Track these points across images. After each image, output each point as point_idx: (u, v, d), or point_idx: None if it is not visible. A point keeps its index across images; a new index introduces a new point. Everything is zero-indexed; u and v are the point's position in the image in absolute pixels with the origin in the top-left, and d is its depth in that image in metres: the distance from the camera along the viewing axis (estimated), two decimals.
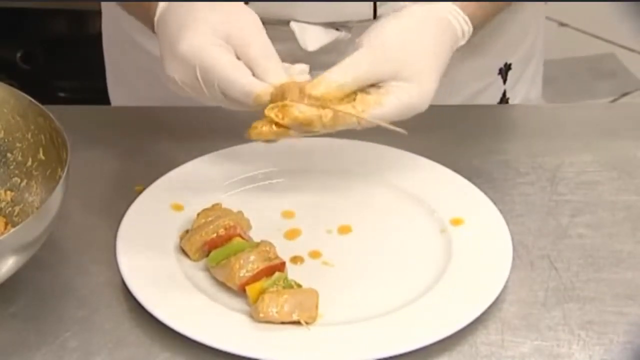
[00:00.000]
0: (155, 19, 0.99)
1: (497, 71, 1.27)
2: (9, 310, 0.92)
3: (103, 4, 1.32)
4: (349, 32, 1.17)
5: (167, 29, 0.96)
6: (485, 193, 1.04)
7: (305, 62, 1.08)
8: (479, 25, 1.03)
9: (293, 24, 1.14)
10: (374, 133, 1.12)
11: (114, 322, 0.91)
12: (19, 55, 2.12)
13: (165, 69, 0.96)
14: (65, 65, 2.12)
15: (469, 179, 1.06)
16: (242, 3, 0.99)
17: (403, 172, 1.07)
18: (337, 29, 1.17)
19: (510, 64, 1.27)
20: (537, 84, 1.35)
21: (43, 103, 0.98)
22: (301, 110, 0.92)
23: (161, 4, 0.99)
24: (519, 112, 1.24)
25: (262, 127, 0.93)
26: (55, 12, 2.10)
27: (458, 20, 1.00)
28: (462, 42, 1.02)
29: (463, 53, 1.23)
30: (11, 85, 1.01)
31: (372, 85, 0.95)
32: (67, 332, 0.90)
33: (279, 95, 0.92)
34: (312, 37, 1.15)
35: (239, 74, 0.92)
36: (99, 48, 1.36)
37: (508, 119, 1.20)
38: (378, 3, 1.13)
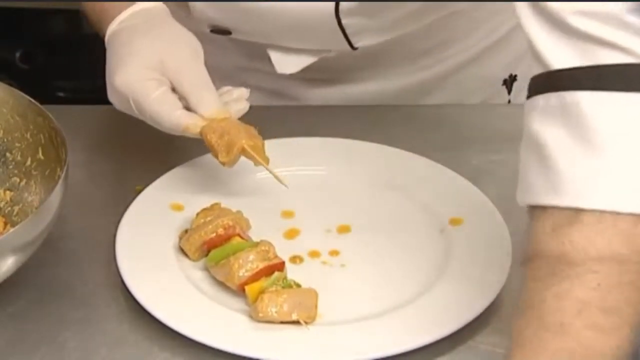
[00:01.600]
0: (105, 40, 1.03)
1: (502, 82, 1.27)
2: (8, 310, 0.92)
3: None
4: (333, 53, 1.16)
5: (109, 58, 1.00)
6: (485, 193, 1.04)
7: (293, 74, 1.09)
8: None
9: (269, 51, 1.15)
10: (374, 133, 1.13)
11: (113, 322, 0.91)
12: (18, 55, 2.12)
13: (108, 96, 1.00)
14: (64, 65, 2.12)
15: (469, 178, 1.06)
16: (184, 31, 1.02)
17: (402, 171, 1.07)
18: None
19: (515, 76, 1.28)
20: None
21: (42, 103, 0.98)
22: None
23: (110, 28, 1.02)
24: (519, 112, 1.23)
25: None
26: (54, 12, 2.09)
27: None
28: None
29: (468, 64, 1.24)
30: (10, 85, 1.01)
31: None
32: (67, 332, 0.90)
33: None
34: (289, 62, 1.16)
35: (166, 108, 0.96)
36: (98, 48, 1.35)
37: (508, 119, 1.20)
38: (349, 33, 1.12)
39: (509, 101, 1.28)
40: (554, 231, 0.75)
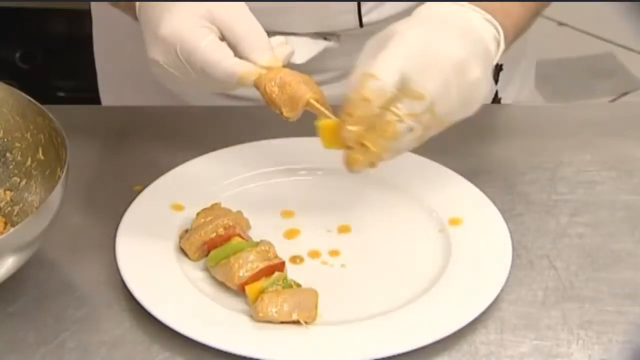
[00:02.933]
0: (137, 3, 0.98)
1: None
2: (8, 309, 0.92)
3: (93, 10, 1.32)
4: (338, 42, 1.16)
5: (148, 13, 0.95)
6: (484, 192, 1.04)
7: (296, 70, 1.08)
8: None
9: (277, 37, 1.14)
10: None
11: (113, 322, 0.91)
12: (18, 55, 2.12)
13: (148, 52, 0.95)
14: (64, 65, 2.12)
15: (468, 178, 1.06)
16: None
17: (402, 171, 1.07)
18: (325, 38, 1.16)
19: (501, 65, 1.27)
20: (529, 83, 1.35)
21: (42, 103, 0.98)
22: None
23: None
24: (518, 112, 1.24)
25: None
26: (54, 12, 2.09)
27: (488, 28, 0.97)
28: (496, 59, 0.98)
29: None
30: (10, 85, 1.01)
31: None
32: (66, 332, 0.90)
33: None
34: (300, 50, 1.14)
35: (220, 55, 0.92)
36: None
37: (507, 119, 1.20)
38: (363, 11, 1.12)
39: (497, 91, 1.27)
40: None
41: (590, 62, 2.92)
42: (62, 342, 0.89)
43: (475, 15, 0.96)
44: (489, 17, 0.97)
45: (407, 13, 1.15)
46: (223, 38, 0.93)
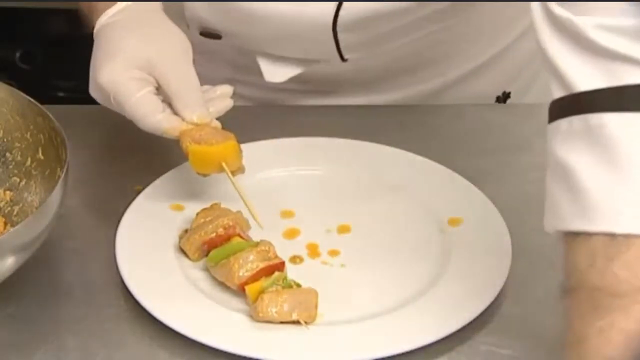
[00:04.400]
0: (94, 34, 1.02)
1: (495, 99, 1.27)
2: (7, 310, 0.92)
3: None
4: (319, 63, 1.16)
5: (95, 53, 1.00)
6: (484, 192, 1.04)
7: (276, 87, 1.08)
8: None
9: (259, 58, 1.14)
10: (374, 133, 1.13)
11: (113, 322, 0.91)
12: (18, 55, 2.12)
13: (90, 90, 1.00)
14: (64, 65, 2.12)
15: (468, 178, 1.06)
16: (175, 29, 1.01)
17: (402, 171, 1.07)
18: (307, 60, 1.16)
19: (509, 93, 1.27)
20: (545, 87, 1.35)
21: (42, 103, 0.98)
22: None
23: (99, 22, 1.02)
24: (518, 111, 1.23)
25: None
26: (54, 11, 2.09)
27: None
28: None
29: (460, 81, 1.23)
30: (10, 85, 1.01)
31: None
32: (66, 332, 0.90)
33: None
34: (278, 71, 1.15)
35: (147, 110, 0.96)
36: None
37: (507, 119, 1.20)
38: (342, 46, 1.12)
39: (504, 92, 1.28)
40: (593, 262, 0.73)
41: None
42: (61, 342, 0.89)
43: None
44: None
45: (388, 54, 1.15)
46: (159, 88, 0.97)
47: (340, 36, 1.09)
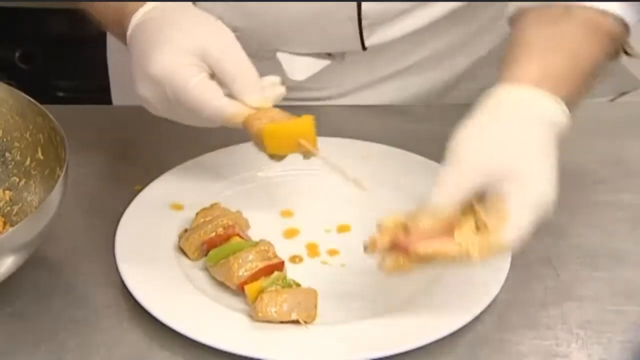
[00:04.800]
0: (128, 33, 0.98)
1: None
2: (7, 309, 0.92)
3: None
4: (343, 59, 1.16)
5: (138, 47, 0.95)
6: None
7: (299, 86, 1.07)
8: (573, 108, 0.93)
9: (279, 55, 1.13)
10: (374, 133, 1.13)
11: (112, 322, 0.91)
12: (17, 55, 2.12)
13: (137, 89, 0.94)
14: (64, 65, 2.12)
15: None
16: (214, 19, 0.97)
17: (402, 171, 1.07)
18: (329, 54, 1.16)
19: None
20: None
21: (42, 103, 0.98)
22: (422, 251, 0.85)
23: (134, 20, 0.97)
24: None
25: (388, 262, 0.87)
26: (53, 11, 2.09)
27: (559, 114, 0.89)
28: (565, 134, 0.91)
29: (469, 74, 1.23)
30: (10, 85, 1.01)
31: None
32: (66, 332, 0.90)
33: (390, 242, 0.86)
34: (300, 67, 1.14)
35: (209, 95, 0.91)
36: (98, 48, 1.36)
37: None
38: (365, 34, 1.12)
39: None
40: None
41: None
42: (61, 342, 0.89)
43: (548, 103, 0.89)
44: (560, 101, 0.90)
45: (411, 36, 1.15)
46: (213, 75, 0.93)
47: (363, 13, 1.09)
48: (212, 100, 0.91)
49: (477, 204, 0.85)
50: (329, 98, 1.22)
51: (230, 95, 0.92)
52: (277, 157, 0.95)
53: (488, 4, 1.18)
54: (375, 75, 1.21)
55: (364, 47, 1.13)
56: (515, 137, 0.87)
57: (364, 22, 1.11)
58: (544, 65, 0.90)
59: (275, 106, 0.95)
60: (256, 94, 0.92)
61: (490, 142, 0.87)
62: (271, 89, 0.95)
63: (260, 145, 0.93)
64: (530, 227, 0.84)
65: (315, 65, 1.15)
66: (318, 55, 1.14)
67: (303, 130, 0.92)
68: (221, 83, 0.93)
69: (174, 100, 0.92)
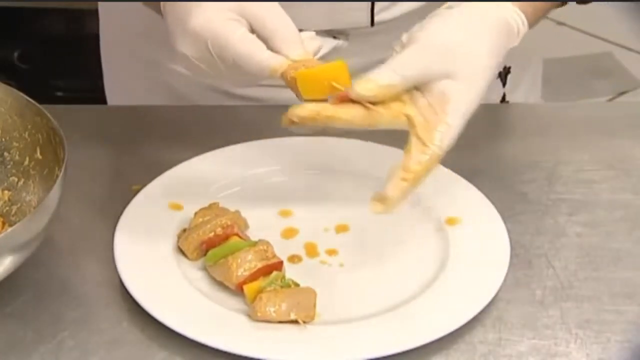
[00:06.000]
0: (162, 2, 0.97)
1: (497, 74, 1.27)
2: (6, 309, 0.92)
3: (101, 9, 1.32)
4: (347, 40, 1.16)
5: (176, 7, 0.94)
6: (483, 192, 1.04)
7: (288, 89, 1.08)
8: (531, 24, 1.00)
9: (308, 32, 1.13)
10: (373, 132, 1.13)
11: (111, 322, 0.91)
12: (16, 54, 2.12)
13: (177, 46, 0.94)
14: (62, 65, 2.12)
15: (467, 177, 1.06)
16: None
17: None
18: (334, 37, 1.16)
19: (509, 68, 1.27)
20: (537, 86, 1.35)
21: (40, 102, 0.98)
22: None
23: None
24: (516, 111, 1.24)
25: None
26: (52, 11, 2.10)
27: (515, 20, 0.97)
28: (516, 43, 0.98)
29: None
30: (9, 84, 1.01)
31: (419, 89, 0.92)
32: (65, 332, 0.90)
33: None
34: (308, 47, 1.14)
35: (253, 48, 0.91)
36: (97, 47, 1.36)
37: (505, 118, 1.20)
38: (375, 10, 1.12)
39: (504, 94, 1.28)
40: None
41: (589, 62, 2.92)
42: (60, 342, 0.89)
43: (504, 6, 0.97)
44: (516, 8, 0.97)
45: (420, 12, 1.15)
46: (253, 32, 0.93)
47: None
48: (256, 54, 0.91)
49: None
50: None
51: (270, 49, 0.93)
52: (312, 100, 0.93)
53: None
54: (380, 57, 1.21)
55: (372, 23, 1.13)
56: (470, 31, 0.93)
57: None
58: None
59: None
60: (297, 48, 0.93)
61: (446, 32, 0.93)
62: (309, 42, 0.95)
63: (296, 92, 0.93)
64: (460, 130, 0.92)
65: (324, 44, 1.15)
66: (324, 34, 1.14)
67: (336, 74, 0.92)
68: (261, 38, 0.93)
69: (216, 56, 0.92)
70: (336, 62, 0.93)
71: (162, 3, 0.97)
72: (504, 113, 1.22)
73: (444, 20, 0.94)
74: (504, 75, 1.27)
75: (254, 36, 0.92)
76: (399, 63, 0.92)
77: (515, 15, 0.97)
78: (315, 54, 0.95)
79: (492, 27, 0.95)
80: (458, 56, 0.92)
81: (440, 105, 0.91)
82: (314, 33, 0.97)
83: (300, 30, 1.14)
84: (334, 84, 0.91)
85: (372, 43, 1.17)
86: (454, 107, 0.91)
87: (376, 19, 1.14)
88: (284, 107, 1.23)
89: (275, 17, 0.93)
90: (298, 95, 0.93)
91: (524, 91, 1.30)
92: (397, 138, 1.12)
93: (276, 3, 0.94)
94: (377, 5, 1.13)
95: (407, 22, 1.16)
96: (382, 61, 1.21)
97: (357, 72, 1.21)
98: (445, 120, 0.91)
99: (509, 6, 0.97)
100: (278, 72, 0.91)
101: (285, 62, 0.91)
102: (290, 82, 0.92)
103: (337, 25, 1.15)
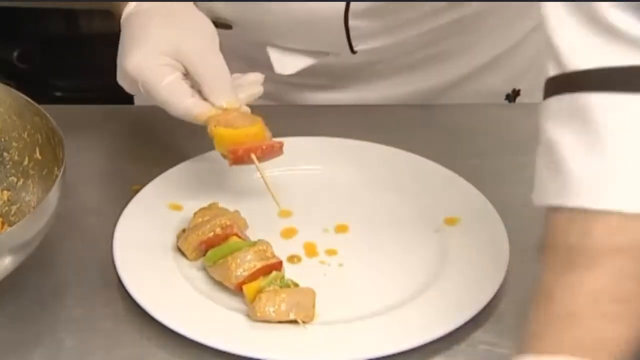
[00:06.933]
0: (121, 22, 1.02)
1: (505, 96, 1.27)
2: (5, 309, 0.92)
3: None
4: (336, 57, 1.16)
5: (123, 40, 0.99)
6: (482, 192, 1.04)
7: (287, 81, 1.09)
8: None
9: (269, 49, 1.15)
10: (372, 133, 1.13)
11: (110, 322, 0.91)
12: (15, 54, 2.12)
13: (117, 78, 0.99)
14: (61, 65, 2.12)
15: (466, 177, 1.06)
16: (202, 17, 1.01)
17: (400, 171, 1.07)
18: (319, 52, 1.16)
19: (519, 90, 1.27)
20: None
21: (39, 102, 0.98)
22: None
23: (126, 11, 1.01)
24: (516, 111, 1.24)
25: None
26: (52, 11, 2.09)
27: None
28: None
29: (470, 76, 1.23)
30: (8, 84, 1.01)
31: None
32: (64, 332, 0.90)
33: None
34: (288, 62, 1.15)
35: (176, 97, 0.96)
36: (96, 47, 1.36)
37: (505, 118, 1.20)
38: (353, 35, 1.12)
39: (514, 94, 1.28)
40: (573, 225, 0.75)
41: None
42: (59, 342, 0.89)
43: None
44: None
45: (398, 45, 1.15)
46: (187, 74, 0.97)
47: (351, 24, 1.10)
48: (179, 101, 0.96)
49: None
50: (324, 89, 1.22)
51: (202, 95, 0.97)
52: (228, 159, 0.98)
53: (484, 16, 1.19)
54: (367, 72, 1.21)
55: (353, 51, 1.13)
56: None
57: (352, 33, 1.11)
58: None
59: (259, 106, 0.99)
60: (224, 96, 0.97)
61: None
62: (248, 88, 0.99)
63: (217, 148, 0.97)
64: None
65: (305, 60, 1.15)
66: (308, 53, 1.15)
67: (253, 136, 0.96)
68: (194, 82, 0.97)
69: (146, 95, 0.97)
70: (255, 125, 0.97)
71: (121, 20, 1.02)
72: (503, 113, 1.22)
73: None
74: (512, 97, 1.27)
75: (182, 83, 0.96)
76: None
77: None
78: (247, 102, 0.99)
79: None
80: None
81: None
82: (260, 77, 1.01)
83: (284, 48, 1.15)
84: (252, 156, 0.96)
85: (359, 61, 1.17)
86: None
87: (356, 49, 1.14)
88: (285, 107, 1.24)
89: (208, 64, 0.97)
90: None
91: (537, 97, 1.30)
92: (398, 138, 1.12)
93: (213, 46, 0.98)
94: (354, 40, 1.13)
95: (390, 50, 1.16)
96: (368, 75, 1.21)
97: (348, 83, 1.22)
98: None
99: None
100: (200, 119, 0.96)
101: (208, 110, 0.96)
102: (210, 132, 0.96)
103: (322, 49, 1.15)
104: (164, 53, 0.96)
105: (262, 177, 0.97)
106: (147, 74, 0.96)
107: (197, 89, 0.97)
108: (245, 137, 0.96)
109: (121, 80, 0.99)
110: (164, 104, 0.96)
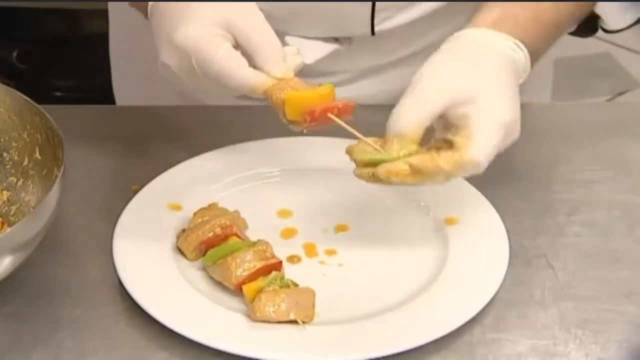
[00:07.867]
0: (150, 4, 0.99)
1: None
2: (5, 310, 0.92)
3: (110, 8, 1.32)
4: (349, 44, 1.16)
5: (163, 17, 0.96)
6: (482, 192, 1.04)
7: (305, 72, 1.08)
8: (535, 59, 1.02)
9: (288, 38, 1.14)
10: (373, 133, 1.13)
11: (110, 322, 0.91)
12: (15, 54, 2.12)
13: (161, 56, 0.96)
14: (61, 65, 2.12)
15: (465, 177, 1.06)
16: None
17: None
18: (336, 39, 1.16)
19: None
20: (547, 88, 1.35)
21: (39, 102, 0.98)
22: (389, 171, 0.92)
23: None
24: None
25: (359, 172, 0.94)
26: (51, 11, 2.10)
27: (517, 53, 0.98)
28: (523, 79, 1.00)
29: None
30: (7, 84, 1.01)
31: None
32: (63, 332, 0.90)
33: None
34: (309, 50, 1.15)
35: (235, 66, 0.93)
36: (96, 48, 1.36)
37: None
38: (376, 21, 1.12)
39: None
40: None
41: (587, 62, 2.92)
42: (59, 342, 0.89)
43: (506, 43, 0.98)
44: (519, 43, 0.98)
45: (419, 23, 1.15)
46: (237, 46, 0.94)
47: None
48: (237, 71, 0.93)
49: (440, 131, 0.93)
50: (337, 85, 1.22)
51: (254, 65, 0.94)
52: (296, 124, 0.95)
53: None
54: (382, 61, 1.21)
55: (372, 32, 1.14)
56: (474, 68, 0.94)
57: (377, 6, 1.11)
58: (503, 12, 0.99)
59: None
60: (280, 66, 0.94)
61: (450, 73, 0.93)
62: (291, 58, 0.97)
63: (282, 112, 0.94)
64: (495, 145, 0.92)
65: (323, 48, 1.15)
66: (325, 40, 1.15)
67: (324, 99, 0.94)
68: (245, 54, 0.94)
69: (199, 70, 0.93)
70: (325, 86, 0.95)
71: (149, 9, 0.99)
72: None
73: (447, 65, 0.95)
74: None
75: (237, 53, 0.94)
76: (415, 110, 0.92)
77: (517, 49, 0.98)
78: (295, 71, 0.96)
79: (493, 57, 0.97)
80: (473, 81, 0.93)
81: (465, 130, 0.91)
82: (296, 49, 0.99)
83: (301, 37, 1.15)
84: (330, 115, 0.94)
85: (374, 48, 1.17)
86: (475, 127, 0.91)
87: (376, 29, 1.14)
88: None
89: (260, 34, 0.95)
90: (282, 114, 0.94)
91: (536, 95, 1.30)
92: None
93: (262, 18, 0.95)
94: (378, 15, 1.13)
95: (408, 31, 1.16)
96: (382, 66, 1.21)
97: (362, 73, 1.22)
98: (467, 136, 0.91)
99: (508, 41, 0.98)
100: (259, 90, 0.93)
101: (266, 80, 0.93)
102: (275, 102, 0.93)
103: (338, 33, 1.15)
104: (215, 24, 0.93)
105: (347, 129, 0.95)
106: (200, 45, 0.92)
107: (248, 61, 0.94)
108: (319, 98, 0.94)
109: (167, 57, 0.95)
110: (221, 74, 0.92)
